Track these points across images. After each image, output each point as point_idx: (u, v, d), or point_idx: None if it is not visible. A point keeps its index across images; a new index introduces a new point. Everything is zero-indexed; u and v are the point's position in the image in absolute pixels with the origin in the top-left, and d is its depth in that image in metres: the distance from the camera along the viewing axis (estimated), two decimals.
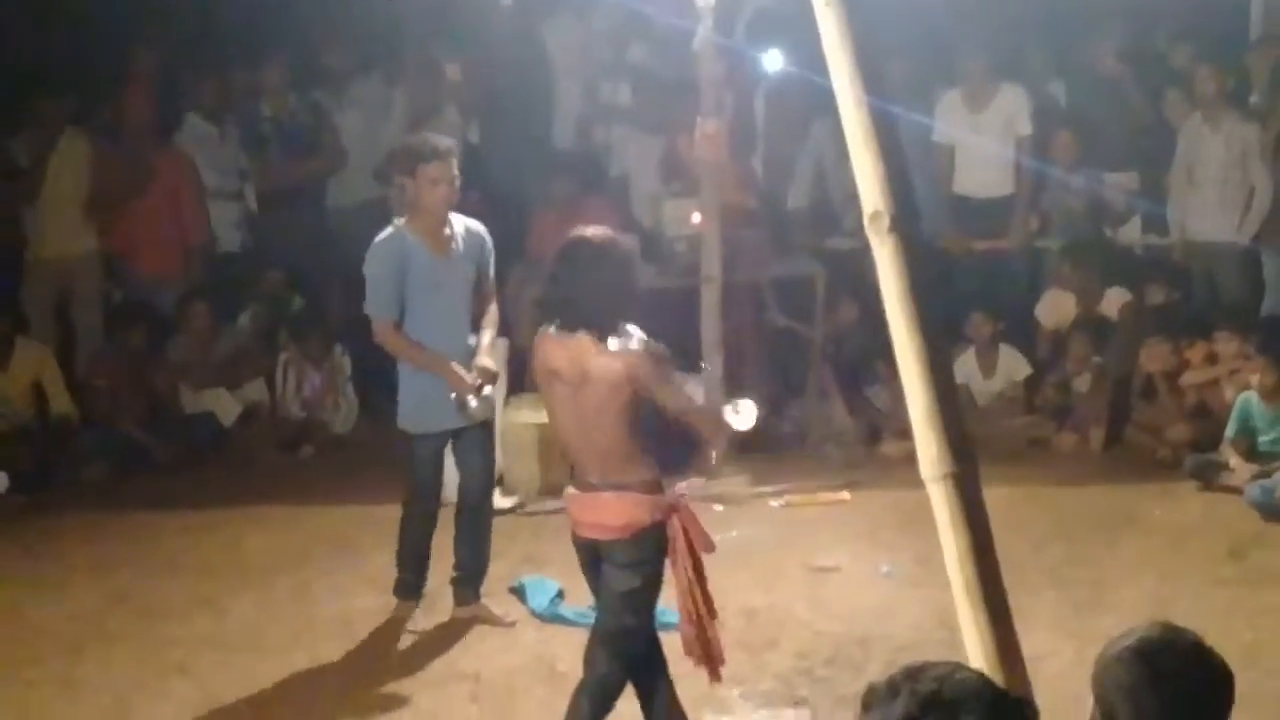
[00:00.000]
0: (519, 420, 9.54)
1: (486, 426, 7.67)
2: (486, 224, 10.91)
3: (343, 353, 10.72)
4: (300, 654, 7.47)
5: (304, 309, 11.06)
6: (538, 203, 11.16)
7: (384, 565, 8.41)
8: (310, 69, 11.70)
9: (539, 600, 7.83)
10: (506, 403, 9.67)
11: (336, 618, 7.86)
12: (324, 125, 11.41)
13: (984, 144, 10.80)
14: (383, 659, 7.42)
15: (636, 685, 6.00)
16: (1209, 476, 9.24)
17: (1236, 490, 8.99)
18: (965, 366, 10.41)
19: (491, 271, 7.71)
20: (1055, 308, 10.68)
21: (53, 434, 10.05)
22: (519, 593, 7.96)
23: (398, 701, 6.97)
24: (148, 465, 10.08)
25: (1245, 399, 9.30)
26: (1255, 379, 9.28)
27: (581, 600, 7.80)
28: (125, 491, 9.71)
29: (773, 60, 10.52)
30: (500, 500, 9.23)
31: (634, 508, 5.62)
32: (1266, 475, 8.89)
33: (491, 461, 7.87)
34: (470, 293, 7.51)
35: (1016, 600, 7.25)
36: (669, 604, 5.90)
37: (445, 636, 7.62)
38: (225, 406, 10.62)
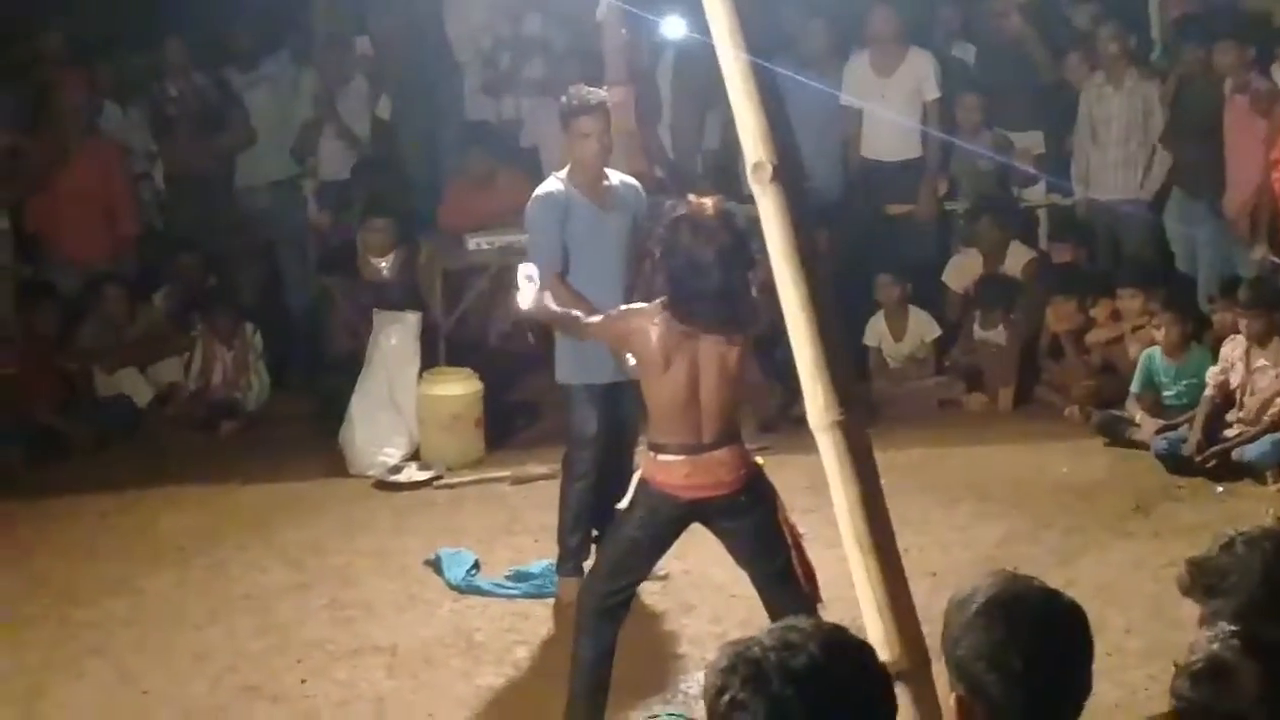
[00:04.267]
0: (435, 393, 9.56)
1: None
2: (398, 197, 11.01)
3: (254, 330, 10.68)
4: (216, 630, 7.46)
5: (215, 288, 11.01)
6: (450, 175, 11.18)
7: (300, 541, 8.45)
8: (218, 48, 11.63)
9: (455, 572, 7.84)
10: (421, 376, 9.69)
11: (252, 594, 7.86)
12: (231, 103, 11.35)
13: (892, 108, 10.86)
14: (298, 633, 7.41)
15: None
16: (1116, 432, 9.37)
17: (1143, 445, 9.12)
18: (876, 329, 10.52)
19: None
20: (963, 269, 10.79)
21: None
22: (435, 565, 7.96)
23: (314, 674, 6.98)
24: (62, 450, 10.00)
25: (1149, 355, 9.43)
26: (1159, 335, 9.41)
27: (497, 571, 7.87)
28: (39, 477, 9.64)
29: (675, 27, 10.53)
30: (415, 473, 9.27)
31: (746, 458, 5.93)
32: (1172, 429, 9.02)
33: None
34: (629, 244, 7.33)
35: (928, 559, 7.41)
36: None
37: (362, 609, 7.63)
38: (139, 388, 10.57)
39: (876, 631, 2.98)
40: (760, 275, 5.58)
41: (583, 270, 7.25)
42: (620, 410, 7.31)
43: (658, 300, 5.86)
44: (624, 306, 6.12)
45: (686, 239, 5.79)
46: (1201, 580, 3.35)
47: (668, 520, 5.98)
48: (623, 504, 6.04)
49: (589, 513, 7.40)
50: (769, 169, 2.87)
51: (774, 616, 5.93)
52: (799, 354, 2.96)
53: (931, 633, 3.55)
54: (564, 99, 7.43)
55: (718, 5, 2.92)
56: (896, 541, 3.35)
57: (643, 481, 5.96)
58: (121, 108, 11.39)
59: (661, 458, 5.90)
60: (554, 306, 6.41)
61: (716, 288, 5.75)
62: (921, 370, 10.50)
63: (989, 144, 10.98)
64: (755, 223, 3.60)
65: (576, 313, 6.31)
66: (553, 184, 7.33)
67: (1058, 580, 6.93)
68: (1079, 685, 2.96)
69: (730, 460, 5.89)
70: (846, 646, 2.71)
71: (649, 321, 5.84)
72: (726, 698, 2.64)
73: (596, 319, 6.12)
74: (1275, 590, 3.23)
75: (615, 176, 7.43)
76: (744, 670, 2.63)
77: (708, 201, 5.89)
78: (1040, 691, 2.92)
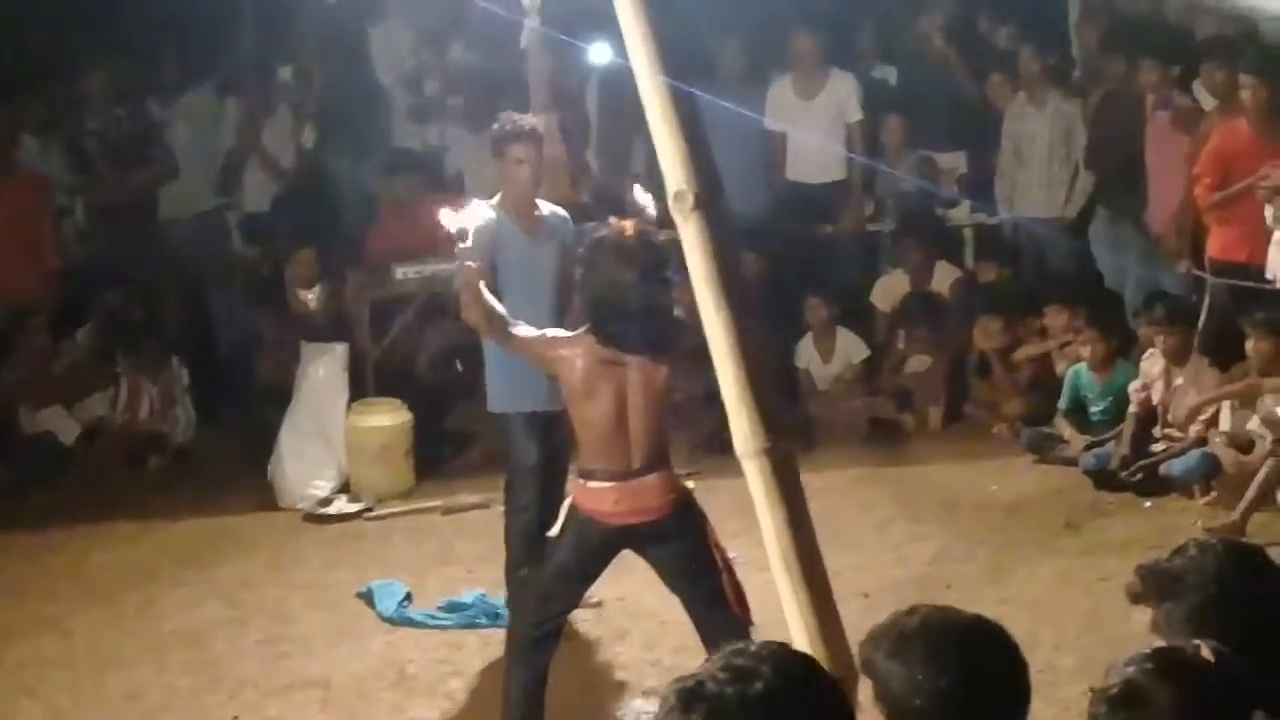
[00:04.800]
0: (364, 424, 9.52)
1: None
2: (324, 227, 10.95)
3: (179, 364, 10.59)
4: (148, 668, 7.41)
5: (140, 322, 10.91)
6: (376, 203, 11.12)
7: (231, 575, 8.40)
8: (140, 79, 11.55)
9: (387, 604, 7.81)
10: (350, 407, 9.65)
11: (185, 630, 7.80)
12: (153, 136, 11.27)
13: (815, 131, 10.90)
14: (232, 669, 7.37)
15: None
16: (1045, 449, 9.43)
17: (1072, 462, 9.18)
18: (805, 351, 10.55)
19: None
20: (890, 290, 10.82)
21: None
22: (367, 598, 7.92)
23: (247, 711, 6.95)
24: None
25: (1076, 371, 9.51)
26: (1085, 351, 9.48)
27: (429, 602, 7.84)
28: None
29: (600, 53, 10.53)
30: (346, 505, 9.23)
31: (674, 483, 5.96)
32: (1100, 444, 9.08)
33: None
34: (559, 273, 7.16)
35: (861, 580, 7.42)
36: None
37: (295, 644, 7.60)
38: (65, 425, 10.45)
39: (802, 641, 2.98)
40: (686, 298, 5.61)
41: (513, 299, 7.01)
42: (555, 437, 7.13)
43: (582, 327, 5.87)
44: (550, 332, 6.09)
45: (607, 261, 5.80)
46: (1155, 585, 3.38)
47: (598, 547, 5.99)
48: (552, 531, 6.04)
49: (537, 545, 6.93)
50: (690, 198, 2.87)
51: (706, 640, 5.95)
52: (723, 381, 2.96)
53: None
54: (495, 126, 7.38)
55: (636, 31, 2.92)
56: (825, 565, 3.36)
57: (572, 508, 5.96)
58: (39, 142, 11.27)
59: (590, 484, 5.90)
60: (490, 299, 6.29)
61: (638, 309, 5.77)
62: (851, 391, 10.50)
63: (913, 165, 11.04)
64: (678, 244, 3.63)
65: (506, 317, 6.21)
66: (484, 210, 7.16)
67: (990, 598, 7.05)
68: (1010, 708, 2.97)
69: (659, 486, 5.90)
70: (795, 665, 2.71)
71: (574, 348, 5.85)
72: None
73: (525, 332, 6.07)
74: (1227, 591, 3.27)
75: (545, 206, 7.36)
76: (701, 707, 2.60)
77: (628, 224, 5.90)
78: (968, 715, 2.92)
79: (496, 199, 7.26)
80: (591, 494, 5.90)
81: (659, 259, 5.78)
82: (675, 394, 6.09)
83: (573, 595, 6.18)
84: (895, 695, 2.93)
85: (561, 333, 6.03)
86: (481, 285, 6.08)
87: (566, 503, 6.02)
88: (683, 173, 2.89)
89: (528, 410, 7.02)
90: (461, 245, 6.04)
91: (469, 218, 6.53)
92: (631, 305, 5.76)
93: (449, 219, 6.12)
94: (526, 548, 7.07)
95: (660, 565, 6.06)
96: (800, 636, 2.91)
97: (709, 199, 2.87)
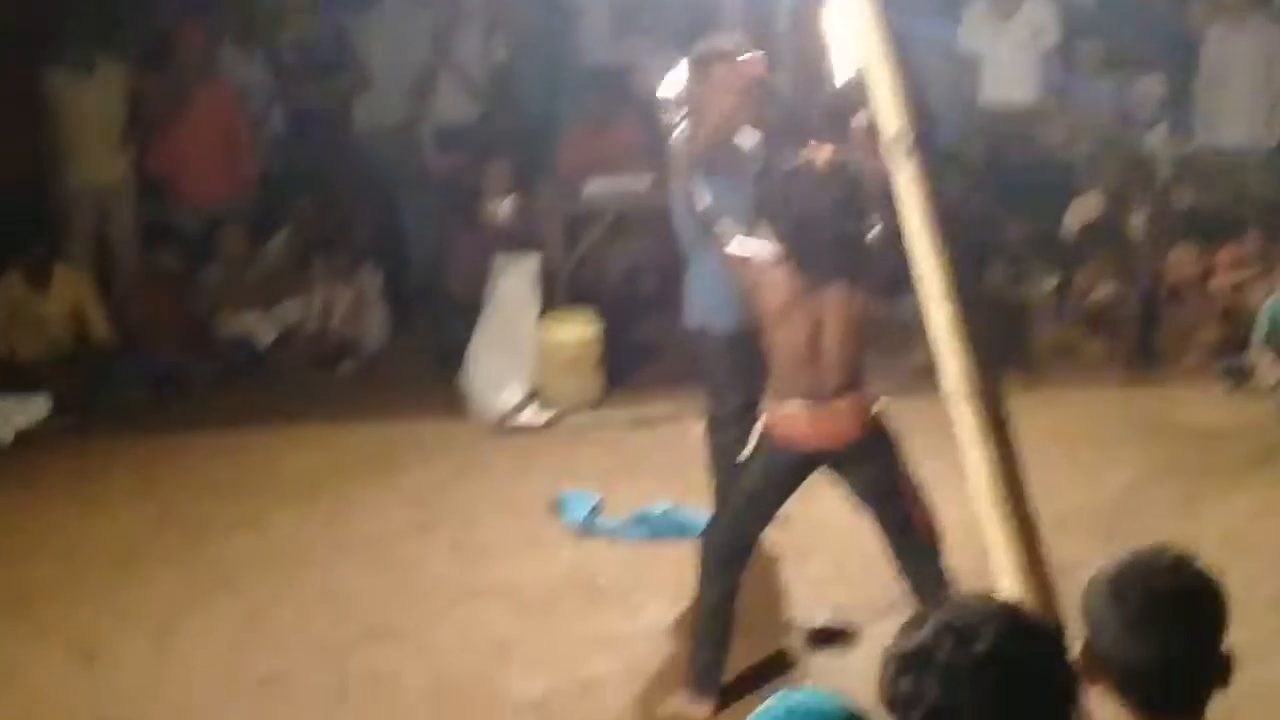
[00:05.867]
0: (555, 334, 9.62)
1: None
2: (516, 140, 11.02)
3: (373, 270, 10.76)
4: (341, 568, 7.60)
5: (333, 228, 11.09)
6: (568, 119, 11.17)
7: (420, 481, 8.55)
8: None
9: (577, 513, 7.90)
10: (540, 319, 9.75)
11: (375, 533, 7.97)
12: (345, 47, 11.40)
13: (1011, 53, 10.80)
14: (421, 572, 7.54)
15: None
16: (1238, 380, 9.28)
17: (1266, 394, 9.05)
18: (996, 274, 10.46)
19: None
20: (1084, 213, 10.68)
21: (93, 359, 10.14)
22: (557, 506, 8.03)
23: (435, 615, 7.11)
24: (186, 389, 10.15)
25: (1274, 302, 9.32)
26: None
27: (618, 513, 7.92)
28: (165, 415, 9.76)
29: None
30: (535, 417, 9.33)
31: (868, 406, 6.00)
32: None
33: None
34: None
35: (1050, 505, 7.38)
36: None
37: (483, 550, 7.74)
38: (261, 328, 10.66)
39: (1009, 578, 2.99)
40: (882, 225, 5.61)
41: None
42: (753, 354, 6.68)
43: (778, 253, 5.89)
44: (753, 256, 6.07)
45: (799, 193, 5.82)
46: None
47: (789, 470, 6.04)
48: (744, 454, 6.09)
49: (735, 462, 6.66)
50: (907, 141, 2.87)
51: (896, 561, 6.10)
52: (934, 322, 2.97)
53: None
54: (698, 47, 7.16)
55: None
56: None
57: (765, 432, 6.01)
58: (238, 50, 11.45)
59: (783, 409, 5.95)
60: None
61: (831, 240, 5.79)
62: (1042, 315, 10.35)
63: (1111, 87, 10.88)
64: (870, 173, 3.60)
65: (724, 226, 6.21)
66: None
67: (1182, 528, 6.97)
68: (1211, 655, 2.98)
69: (852, 410, 5.94)
70: (1015, 620, 2.70)
71: (771, 274, 5.89)
72: (903, 688, 2.65)
73: (741, 252, 6.08)
74: None
75: (745, 138, 6.95)
76: (933, 671, 2.63)
77: (819, 154, 5.89)
78: (1173, 660, 2.94)
79: (687, 128, 6.80)
80: (784, 418, 5.94)
81: (851, 190, 5.78)
82: (872, 321, 6.04)
83: (765, 516, 6.24)
84: (1105, 647, 2.94)
85: (761, 258, 6.02)
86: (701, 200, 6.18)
87: (759, 424, 6.06)
88: (901, 114, 2.88)
89: (728, 327, 6.81)
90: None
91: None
92: (824, 236, 5.78)
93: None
94: (726, 464, 6.95)
95: (852, 485, 6.11)
96: (1007, 578, 2.92)
97: (924, 142, 2.88)
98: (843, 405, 5.93)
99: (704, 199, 6.24)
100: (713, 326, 6.92)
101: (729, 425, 6.93)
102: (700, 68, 6.82)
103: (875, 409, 6.04)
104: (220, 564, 7.68)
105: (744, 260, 6.02)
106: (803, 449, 5.97)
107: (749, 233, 6.09)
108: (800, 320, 5.86)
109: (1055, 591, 3.29)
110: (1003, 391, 2.85)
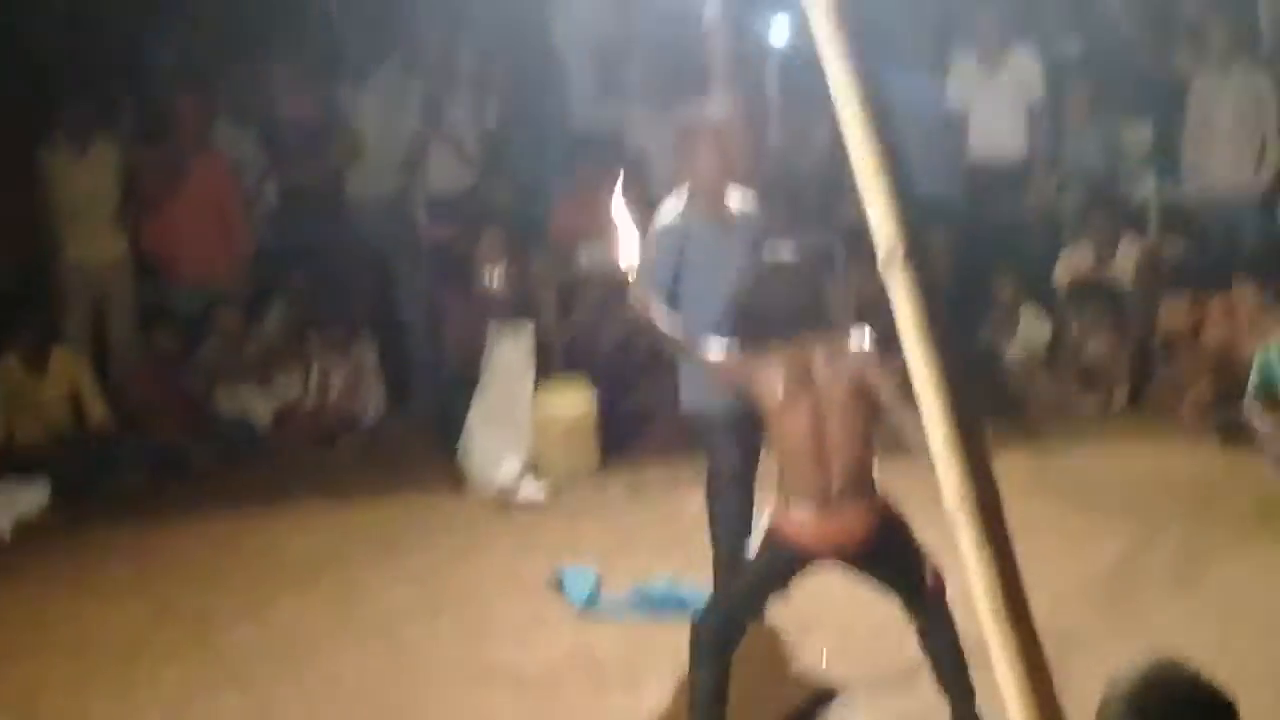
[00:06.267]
0: (551, 404, 9.65)
1: None
2: (509, 207, 11.05)
3: (368, 341, 10.77)
4: (346, 654, 7.57)
5: (329, 302, 11.10)
6: (558, 186, 11.20)
7: (423, 561, 8.54)
8: (326, 61, 11.72)
9: (578, 593, 7.90)
10: (536, 389, 9.77)
11: (379, 617, 7.96)
12: (338, 118, 11.44)
13: (997, 107, 10.86)
14: (425, 656, 7.52)
15: None
16: (1233, 433, 9.26)
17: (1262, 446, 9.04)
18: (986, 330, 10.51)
19: None
20: (1073, 267, 10.72)
21: (90, 443, 10.14)
22: (558, 584, 8.03)
23: (441, 699, 7.10)
24: (185, 472, 10.14)
25: (1267, 353, 9.30)
26: (1277, 330, 9.31)
27: (618, 587, 7.92)
28: (164, 499, 9.75)
29: (782, 31, 10.52)
30: (533, 494, 9.32)
31: (877, 507, 5.94)
32: None
33: None
34: (747, 265, 6.84)
35: (1044, 574, 7.36)
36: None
37: (487, 630, 7.74)
38: (258, 406, 10.68)
39: (1012, 698, 2.99)
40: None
41: (694, 289, 6.96)
42: (754, 436, 6.85)
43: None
44: (741, 353, 6.13)
45: (764, 293, 5.92)
46: None
47: (794, 568, 6.04)
48: (750, 549, 6.08)
49: (740, 551, 6.60)
50: (900, 254, 2.88)
51: (908, 616, 6.08)
52: (932, 433, 2.97)
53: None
54: (682, 113, 7.25)
55: (823, 20, 2.80)
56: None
57: (771, 529, 5.99)
58: (233, 126, 11.48)
59: (790, 510, 5.93)
60: (673, 329, 6.43)
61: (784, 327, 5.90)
62: (1032, 371, 10.39)
63: (1098, 138, 10.94)
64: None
65: (693, 340, 6.32)
66: (673, 210, 7.10)
67: (1179, 591, 6.96)
68: None
69: (860, 514, 5.91)
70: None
71: (768, 364, 5.89)
72: None
73: (718, 355, 6.14)
74: None
75: (735, 198, 7.16)
76: None
77: (785, 254, 6.00)
78: None
79: (684, 191, 7.13)
80: (791, 520, 5.93)
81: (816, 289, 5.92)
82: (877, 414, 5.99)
83: (763, 607, 6.25)
84: None
85: (754, 352, 6.04)
86: (659, 315, 6.23)
87: (764, 521, 6.05)
88: (893, 228, 2.89)
89: (725, 409, 6.79)
90: (633, 279, 6.14)
91: (647, 238, 6.60)
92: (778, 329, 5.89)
93: (627, 254, 6.17)
94: (727, 531, 7.02)
95: (867, 580, 6.11)
96: (1009, 692, 2.93)
97: (916, 253, 2.88)
98: (851, 508, 5.89)
99: (668, 323, 6.33)
100: (710, 408, 6.95)
101: (730, 491, 7.00)
102: (683, 139, 7.03)
103: (884, 503, 5.99)
104: (225, 657, 7.64)
105: (729, 368, 6.06)
106: (809, 551, 5.97)
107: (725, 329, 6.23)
108: (802, 411, 5.85)
109: (1058, 707, 3.29)
110: (998, 502, 2.86)
